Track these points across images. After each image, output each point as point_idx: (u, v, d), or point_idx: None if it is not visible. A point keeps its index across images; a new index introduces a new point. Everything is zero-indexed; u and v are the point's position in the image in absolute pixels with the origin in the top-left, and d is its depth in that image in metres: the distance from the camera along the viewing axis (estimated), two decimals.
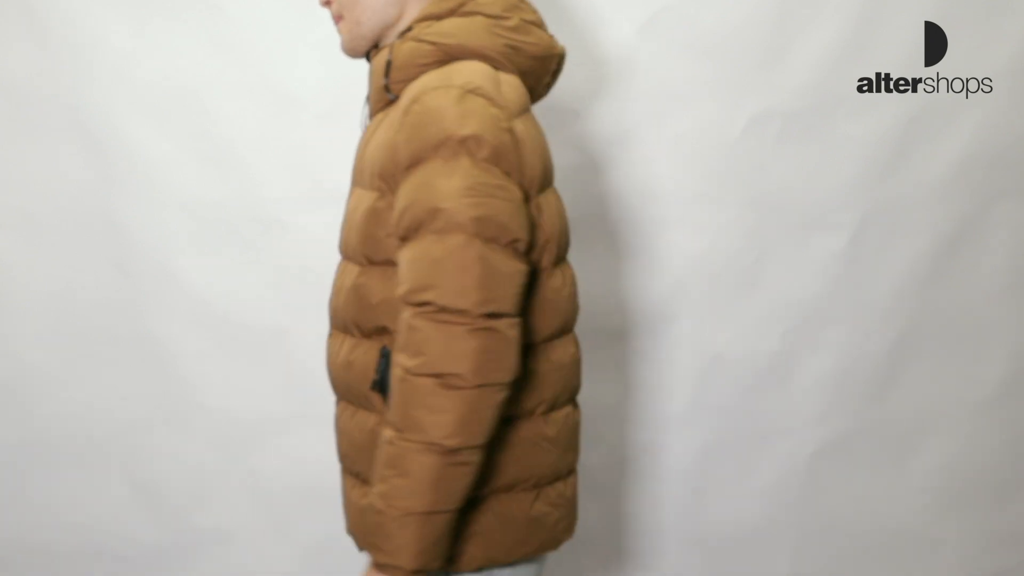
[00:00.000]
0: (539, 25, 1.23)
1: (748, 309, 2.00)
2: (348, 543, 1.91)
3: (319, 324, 1.86)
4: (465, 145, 1.06)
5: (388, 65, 1.18)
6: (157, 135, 1.86)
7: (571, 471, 1.28)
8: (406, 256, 1.13)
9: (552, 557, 1.38)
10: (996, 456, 2.09)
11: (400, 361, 1.10)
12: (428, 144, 1.09)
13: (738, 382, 2.02)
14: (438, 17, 1.19)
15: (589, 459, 1.76)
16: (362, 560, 1.96)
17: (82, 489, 1.96)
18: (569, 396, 1.25)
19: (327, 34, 1.76)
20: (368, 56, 1.31)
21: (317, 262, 1.84)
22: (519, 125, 1.11)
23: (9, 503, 1.95)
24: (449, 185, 1.06)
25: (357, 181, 1.25)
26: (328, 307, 1.28)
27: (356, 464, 1.24)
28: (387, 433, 1.10)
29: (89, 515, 1.95)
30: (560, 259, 1.20)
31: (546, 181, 1.17)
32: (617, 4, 1.89)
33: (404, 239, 1.14)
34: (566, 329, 1.22)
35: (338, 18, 1.26)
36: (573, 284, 1.24)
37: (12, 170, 1.87)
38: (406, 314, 1.13)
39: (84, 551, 1.97)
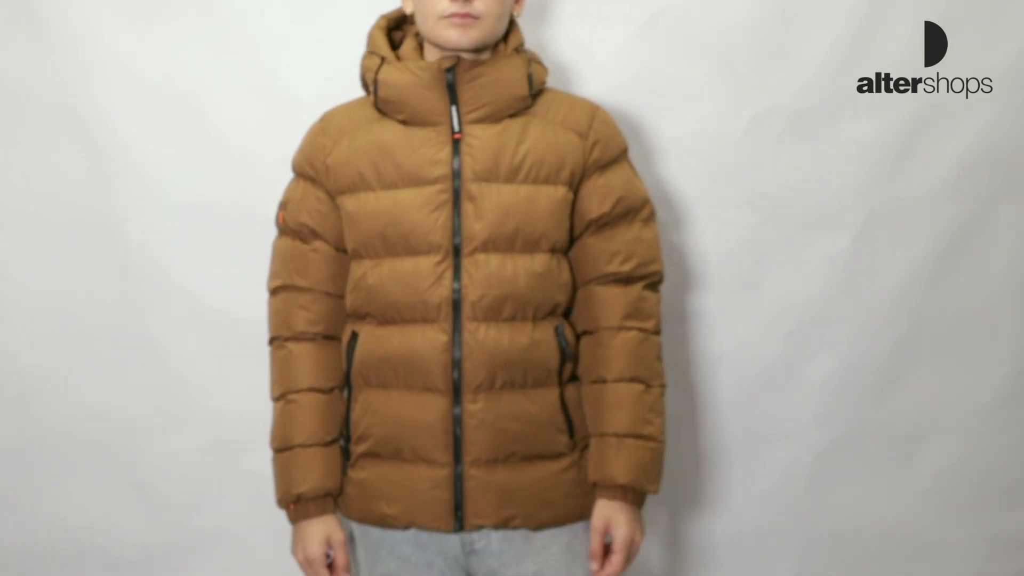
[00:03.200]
0: None
1: (750, 310, 2.00)
2: None
3: None
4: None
5: (530, 78, 1.49)
6: (156, 135, 1.88)
7: None
8: (627, 236, 1.52)
9: None
10: (1002, 459, 2.07)
11: (635, 326, 1.49)
12: (620, 149, 1.54)
13: (740, 384, 2.03)
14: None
15: None
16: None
17: (80, 490, 1.96)
18: None
19: (326, 33, 1.89)
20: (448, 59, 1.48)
21: None
22: None
23: (7, 505, 1.95)
24: (641, 183, 1.55)
25: (504, 177, 1.45)
26: (466, 302, 1.43)
27: (535, 444, 1.46)
28: (634, 387, 1.47)
29: (88, 516, 1.96)
30: None
31: None
32: (613, 4, 1.90)
33: (611, 222, 1.51)
34: None
35: (475, 16, 1.43)
36: None
37: (10, 170, 1.89)
38: (635, 286, 1.52)
39: (82, 552, 1.97)
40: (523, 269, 1.44)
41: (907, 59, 1.95)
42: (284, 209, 1.55)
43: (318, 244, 1.51)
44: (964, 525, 2.07)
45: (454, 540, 1.46)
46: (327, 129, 1.52)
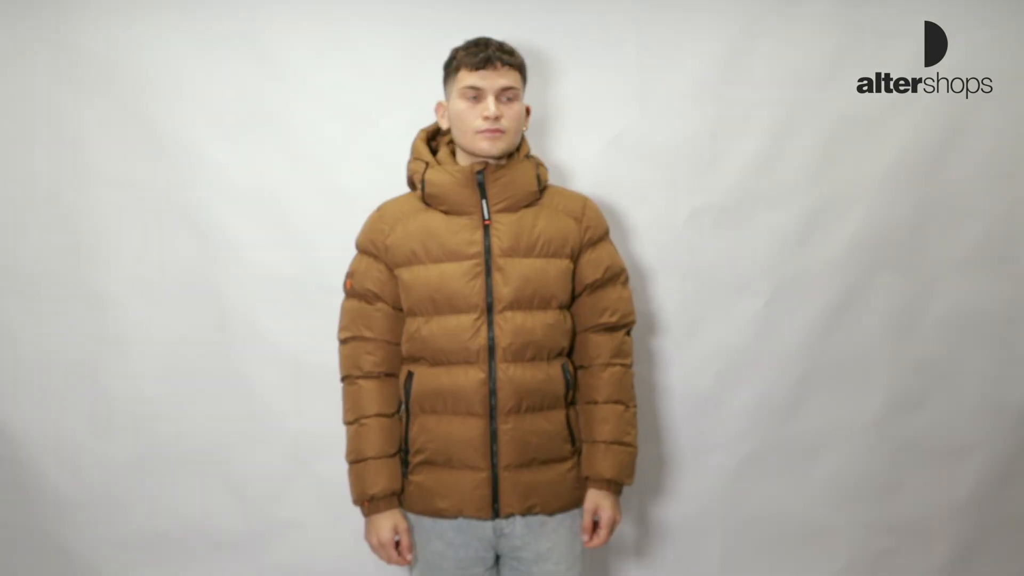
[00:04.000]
0: None
1: (690, 353, 2.22)
2: None
3: None
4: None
5: (539, 178, 1.69)
6: (246, 223, 2.13)
7: None
8: (613, 296, 1.71)
9: None
10: (876, 465, 2.26)
11: (618, 362, 1.69)
12: (605, 230, 1.73)
13: (682, 409, 2.23)
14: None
15: None
16: None
17: (189, 489, 2.16)
18: None
19: (371, 146, 2.12)
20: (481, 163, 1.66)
21: None
22: None
23: (135, 500, 2.16)
24: (619, 255, 1.74)
25: (523, 253, 1.62)
26: (499, 348, 1.58)
27: (548, 451, 1.63)
28: (617, 407, 1.67)
29: (194, 508, 2.16)
30: None
31: None
32: (591, 125, 2.16)
33: (601, 285, 1.70)
34: None
35: (502, 130, 1.61)
36: None
37: (138, 251, 2.13)
38: (619, 333, 1.71)
39: (190, 535, 2.17)
40: (539, 322, 1.60)
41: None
42: (351, 278, 1.69)
43: (380, 305, 1.66)
44: (848, 514, 2.26)
45: (488, 526, 1.61)
46: (384, 217, 1.68)
